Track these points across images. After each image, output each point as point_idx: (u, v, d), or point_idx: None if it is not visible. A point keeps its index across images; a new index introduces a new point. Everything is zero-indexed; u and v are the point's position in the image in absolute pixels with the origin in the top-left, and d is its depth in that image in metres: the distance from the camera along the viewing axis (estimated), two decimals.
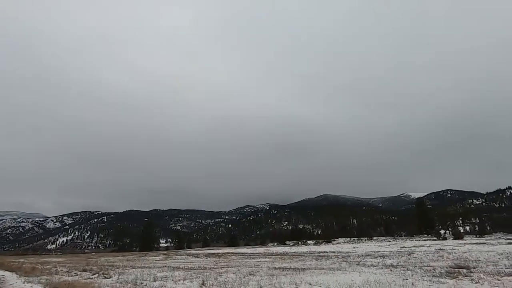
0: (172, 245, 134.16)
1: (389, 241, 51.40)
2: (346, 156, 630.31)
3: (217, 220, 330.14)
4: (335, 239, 71.74)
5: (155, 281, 11.86)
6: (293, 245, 63.56)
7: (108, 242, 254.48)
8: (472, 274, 10.33)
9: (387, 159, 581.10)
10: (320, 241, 70.89)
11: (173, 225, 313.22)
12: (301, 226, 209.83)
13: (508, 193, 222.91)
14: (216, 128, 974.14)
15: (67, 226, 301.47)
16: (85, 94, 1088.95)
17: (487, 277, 9.47)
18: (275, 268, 15.61)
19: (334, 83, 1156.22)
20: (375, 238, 70.15)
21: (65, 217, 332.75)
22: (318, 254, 27.03)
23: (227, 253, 38.91)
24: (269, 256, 27.17)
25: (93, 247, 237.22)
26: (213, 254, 37.63)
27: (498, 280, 8.95)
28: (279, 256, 26.41)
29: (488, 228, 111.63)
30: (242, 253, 35.80)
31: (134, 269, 17.61)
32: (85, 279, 13.79)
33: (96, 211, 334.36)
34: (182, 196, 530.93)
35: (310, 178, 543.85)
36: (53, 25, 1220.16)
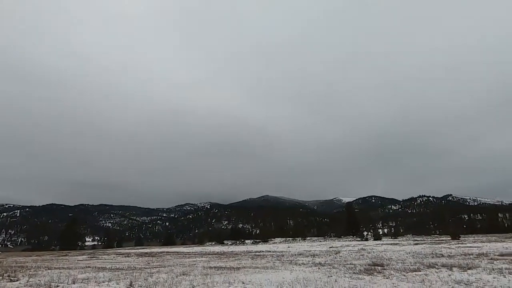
0: (100, 243, 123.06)
1: (320, 241, 55.29)
2: (288, 160, 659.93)
3: (154, 217, 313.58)
4: (272, 239, 74.26)
5: (74, 283, 10.70)
6: (231, 244, 63.87)
7: (20, 240, 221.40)
8: (385, 270, 11.76)
9: (324, 166, 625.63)
10: (257, 240, 72.57)
11: (103, 222, 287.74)
12: (240, 225, 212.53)
13: (419, 200, 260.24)
14: (158, 120, 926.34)
15: None
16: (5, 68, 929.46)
17: (396, 273, 10.89)
18: (210, 267, 15.46)
19: (285, 90, 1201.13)
20: (308, 238, 74.64)
21: None
22: (254, 253, 27.64)
23: (162, 252, 37.25)
24: (206, 256, 26.83)
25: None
26: (146, 253, 35.64)
27: (404, 276, 10.36)
28: (216, 256, 26.27)
29: (401, 230, 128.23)
30: (178, 253, 34.66)
31: (50, 271, 15.62)
32: None
33: (6, 204, 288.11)
34: (115, 191, 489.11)
35: (253, 179, 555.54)
36: None
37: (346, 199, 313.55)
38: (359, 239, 54.10)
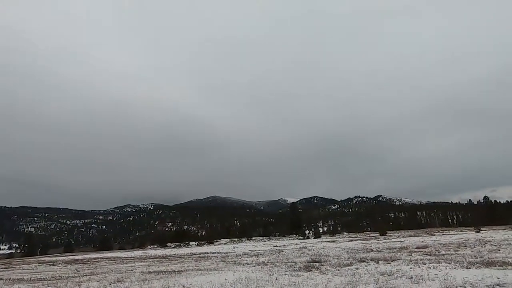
0: (19, 251, 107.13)
1: (265, 240, 56.63)
2: (237, 161, 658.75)
3: (88, 220, 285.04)
4: (218, 240, 73.63)
5: None
6: (174, 247, 61.47)
7: None
8: (322, 266, 12.53)
9: (271, 167, 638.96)
10: (203, 242, 71.16)
11: (24, 226, 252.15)
12: (186, 227, 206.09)
13: (355, 200, 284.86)
14: (97, 111, 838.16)
15: None
16: None
17: (331, 268, 11.69)
18: (149, 272, 14.63)
19: (238, 89, 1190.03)
20: (254, 238, 75.77)
21: None
22: (198, 255, 27.03)
23: (96, 258, 34.05)
24: (146, 260, 25.34)
25: None
26: (77, 260, 32.20)
27: (338, 270, 11.17)
28: (157, 259, 25.00)
29: (339, 228, 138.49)
30: (115, 258, 32.08)
31: None
32: None
33: None
34: (40, 191, 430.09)
35: (201, 179, 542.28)
36: None
37: (291, 200, 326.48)
38: (301, 237, 56.84)
